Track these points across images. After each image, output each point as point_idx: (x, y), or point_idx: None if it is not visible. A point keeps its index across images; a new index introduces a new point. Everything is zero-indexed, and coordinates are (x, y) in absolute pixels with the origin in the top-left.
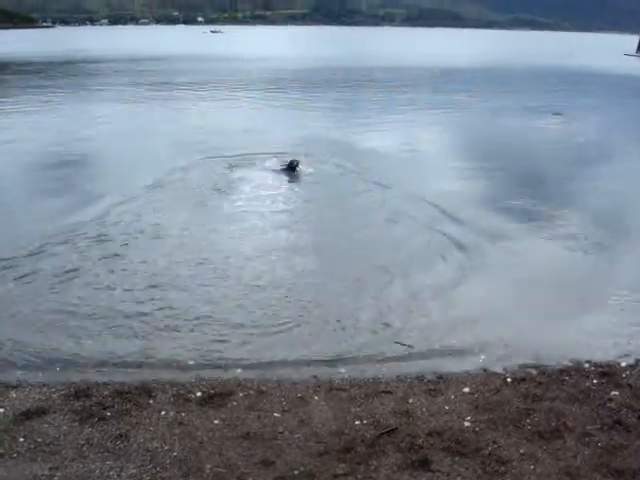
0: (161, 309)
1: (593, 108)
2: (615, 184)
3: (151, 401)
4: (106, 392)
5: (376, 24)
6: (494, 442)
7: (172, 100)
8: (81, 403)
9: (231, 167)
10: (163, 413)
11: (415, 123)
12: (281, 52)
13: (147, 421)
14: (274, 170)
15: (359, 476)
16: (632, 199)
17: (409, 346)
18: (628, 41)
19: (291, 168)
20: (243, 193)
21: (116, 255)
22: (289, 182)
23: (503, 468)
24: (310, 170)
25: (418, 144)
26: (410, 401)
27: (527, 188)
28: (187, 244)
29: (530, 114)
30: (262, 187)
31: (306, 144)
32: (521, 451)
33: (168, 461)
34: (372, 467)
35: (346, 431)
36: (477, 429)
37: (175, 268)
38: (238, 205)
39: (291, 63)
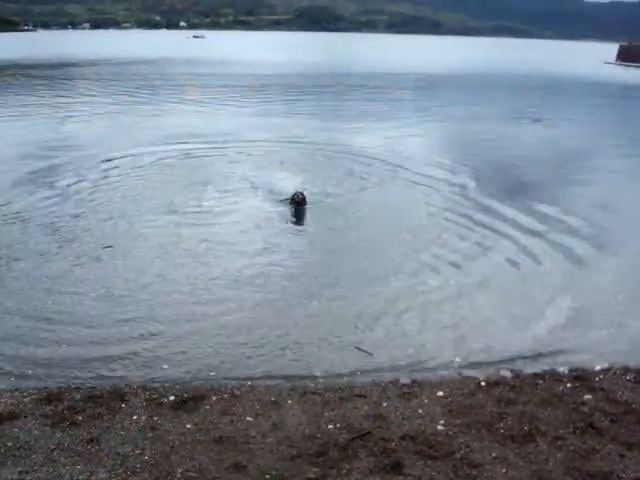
0: (134, 313)
1: (573, 115)
2: (598, 190)
3: (123, 405)
4: (78, 396)
5: (359, 30)
6: (466, 446)
7: (151, 103)
8: (53, 407)
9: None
10: (135, 417)
11: (404, 129)
12: (264, 57)
13: (119, 425)
14: (269, 204)
15: None
16: (617, 204)
17: (369, 353)
18: (609, 49)
19: (295, 203)
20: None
21: (90, 258)
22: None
23: (475, 472)
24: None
25: (421, 151)
26: (384, 405)
27: (518, 191)
28: (162, 249)
29: (510, 121)
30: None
31: (300, 156)
32: (493, 455)
33: (139, 465)
34: (344, 471)
35: (319, 435)
36: (450, 433)
37: (149, 271)
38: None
39: (275, 68)
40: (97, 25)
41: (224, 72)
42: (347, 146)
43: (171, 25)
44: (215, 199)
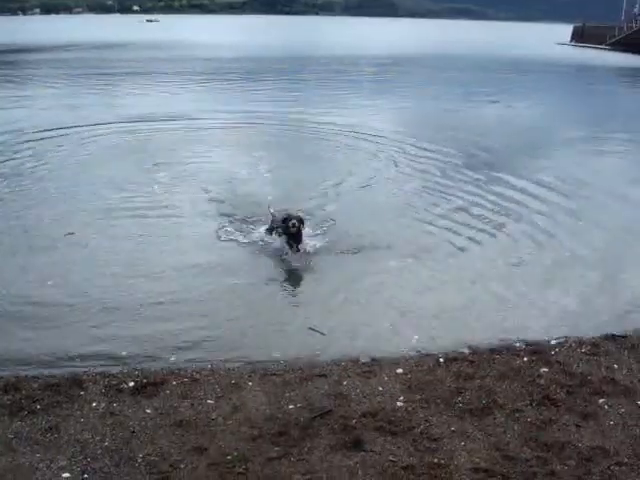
0: (90, 299)
1: (528, 94)
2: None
3: (82, 393)
4: (36, 385)
5: (315, 13)
6: (426, 421)
7: (107, 87)
8: (10, 397)
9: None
10: (94, 404)
11: (369, 110)
12: (220, 41)
13: (78, 413)
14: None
15: (293, 458)
16: (571, 178)
17: (322, 333)
18: (563, 30)
19: (291, 235)
20: None
21: (49, 244)
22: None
23: (434, 445)
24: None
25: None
26: (344, 384)
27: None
28: (113, 233)
29: (469, 102)
30: None
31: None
32: (452, 428)
33: (99, 451)
34: (305, 449)
35: (280, 415)
36: (409, 409)
37: (104, 257)
38: None
39: (232, 52)
40: (48, 10)
41: (181, 56)
42: (314, 128)
43: (123, 9)
44: (167, 184)
